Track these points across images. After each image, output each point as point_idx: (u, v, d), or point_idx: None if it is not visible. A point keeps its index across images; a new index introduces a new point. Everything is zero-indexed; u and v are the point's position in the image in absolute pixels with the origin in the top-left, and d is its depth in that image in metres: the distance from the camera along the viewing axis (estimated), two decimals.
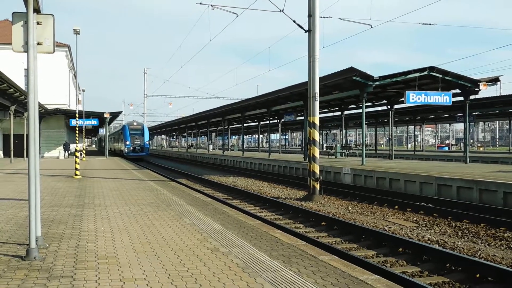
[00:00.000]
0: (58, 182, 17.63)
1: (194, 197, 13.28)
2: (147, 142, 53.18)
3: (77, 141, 28.99)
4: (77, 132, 29.21)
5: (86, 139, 75.97)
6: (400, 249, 9.01)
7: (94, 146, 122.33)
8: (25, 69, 40.10)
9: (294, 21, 16.77)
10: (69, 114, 41.10)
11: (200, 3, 18.30)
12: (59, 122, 45.29)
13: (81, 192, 14.10)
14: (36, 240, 6.20)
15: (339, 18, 19.55)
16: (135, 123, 54.59)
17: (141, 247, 6.79)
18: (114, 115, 48.34)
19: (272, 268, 5.70)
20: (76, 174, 19.78)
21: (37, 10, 6.21)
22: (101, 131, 55.30)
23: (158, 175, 22.89)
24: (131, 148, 51.17)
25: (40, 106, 35.86)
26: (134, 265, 5.78)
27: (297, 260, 6.09)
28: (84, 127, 40.60)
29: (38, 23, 6.22)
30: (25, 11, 6.06)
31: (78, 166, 20.12)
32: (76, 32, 25.30)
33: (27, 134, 6.66)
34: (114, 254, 6.35)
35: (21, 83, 36.15)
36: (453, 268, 7.75)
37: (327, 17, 19.07)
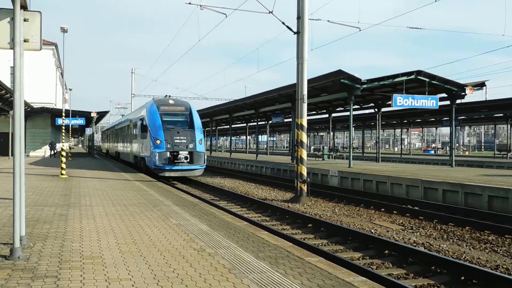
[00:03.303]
0: (44, 181, 17.45)
1: (181, 197, 13.23)
2: (200, 142, 23.60)
3: (63, 141, 28.75)
4: (63, 131, 28.96)
5: (72, 139, 74.45)
6: (386, 251, 9.05)
7: (80, 145, 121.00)
8: (11, 66, 39.64)
9: (283, 23, 16.79)
10: (55, 113, 40.69)
11: (189, 3, 18.23)
12: (45, 121, 44.81)
13: (66, 192, 13.97)
14: (20, 240, 6.13)
15: (328, 21, 19.60)
16: (170, 101, 25.45)
17: (127, 247, 6.74)
18: (101, 115, 47.90)
19: (259, 269, 5.69)
20: (62, 174, 19.59)
21: (24, 7, 6.15)
22: (88, 130, 52.52)
23: (145, 175, 22.70)
24: (168, 155, 22.48)
25: (26, 104, 35.48)
26: (120, 265, 5.73)
27: (283, 261, 6.08)
28: (70, 127, 40.15)
29: (25, 20, 6.16)
30: (12, 7, 6.00)
31: (64, 166, 19.94)
32: (64, 30, 25.07)
33: (12, 133, 6.59)
34: (100, 254, 6.29)
35: (6, 81, 35.72)
36: (439, 271, 7.80)
37: (316, 19, 19.07)
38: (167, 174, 22.04)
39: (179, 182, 23.79)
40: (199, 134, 23.32)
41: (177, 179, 24.02)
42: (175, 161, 22.04)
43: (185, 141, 22.54)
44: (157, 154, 21.81)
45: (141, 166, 25.36)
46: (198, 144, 22.86)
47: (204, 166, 23.49)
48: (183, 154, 22.17)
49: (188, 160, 22.25)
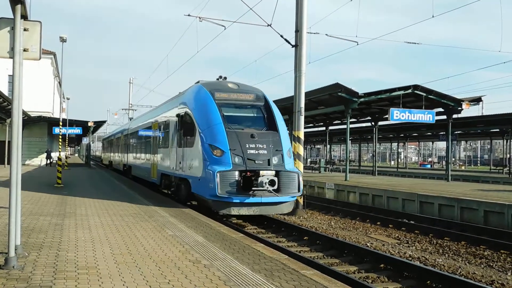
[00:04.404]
0: (39, 190, 17.39)
1: (177, 208, 13.19)
2: (289, 154, 13.38)
3: (59, 150, 28.69)
4: (60, 140, 28.91)
5: (69, 148, 74.13)
6: (382, 265, 9.04)
7: (76, 155, 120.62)
8: (9, 75, 39.71)
9: (281, 36, 16.89)
10: (53, 122, 40.65)
11: (189, 15, 18.34)
12: (41, 130, 44.73)
13: (62, 201, 13.91)
14: (15, 249, 6.10)
15: (326, 34, 19.73)
16: (230, 85, 14.88)
17: (122, 258, 6.71)
18: (98, 124, 47.86)
19: (254, 281, 5.68)
20: (58, 183, 19.53)
21: (24, 17, 6.18)
22: (85, 140, 51.98)
23: (141, 185, 22.62)
24: (238, 178, 12.06)
25: (23, 113, 35.48)
26: (115, 276, 5.71)
27: (279, 274, 6.07)
28: (67, 136, 40.03)
29: (25, 30, 6.18)
30: (12, 17, 6.03)
31: (60, 175, 19.88)
32: (63, 40, 25.17)
33: (9, 141, 6.58)
34: (95, 264, 6.27)
35: (4, 89, 35.74)
36: (434, 285, 7.80)
37: (314, 33, 19.22)
38: (235, 211, 12.23)
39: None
40: (286, 140, 13.39)
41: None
42: (252, 187, 11.95)
43: (265, 152, 12.57)
44: (218, 175, 11.81)
45: (176, 191, 15.86)
46: (287, 157, 12.96)
47: (299, 194, 13.39)
48: (265, 175, 12.14)
49: (274, 187, 12.07)
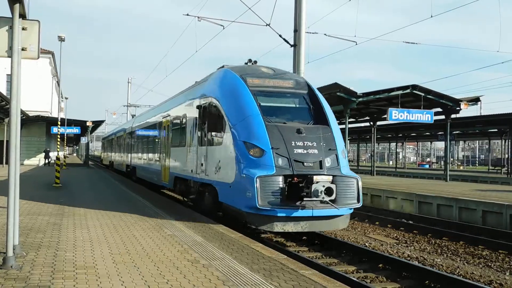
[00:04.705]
0: (38, 190, 17.36)
1: (175, 208, 13.18)
2: (344, 155, 10.61)
3: (58, 149, 28.67)
4: (58, 140, 28.90)
5: (67, 147, 73.84)
6: (380, 265, 9.04)
7: (75, 155, 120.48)
8: (7, 74, 39.67)
9: (280, 36, 16.91)
10: (51, 122, 40.62)
11: (187, 15, 18.34)
12: (40, 129, 44.69)
13: (59, 211, 13.88)
14: (14, 249, 6.09)
15: (325, 34, 19.72)
16: (264, 69, 12.29)
17: (121, 257, 6.70)
18: (97, 124, 47.86)
19: (253, 281, 5.67)
20: (56, 183, 19.50)
21: (23, 16, 6.17)
22: (83, 139, 51.81)
23: (138, 184, 22.62)
24: (282, 185, 9.39)
25: (22, 112, 35.43)
26: (113, 275, 5.70)
27: (278, 274, 6.07)
28: (65, 135, 39.93)
29: (23, 29, 6.17)
30: (11, 16, 6.02)
31: (58, 175, 19.85)
32: (61, 39, 25.18)
33: (7, 141, 6.58)
34: (93, 264, 6.26)
35: (2, 89, 35.72)
36: (432, 285, 7.80)
37: (312, 33, 19.21)
38: (279, 227, 9.58)
39: (173, 193, 18.50)
40: (339, 137, 10.87)
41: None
42: (302, 196, 9.33)
43: (315, 151, 10.03)
44: (258, 181, 9.31)
45: (197, 200, 13.18)
46: (342, 158, 10.44)
47: (360, 206, 10.29)
48: (320, 181, 9.42)
49: (332, 197, 9.39)
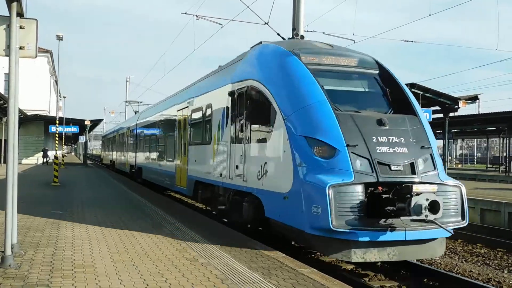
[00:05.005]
0: (36, 189, 17.34)
1: (174, 207, 13.18)
2: (438, 153, 7.96)
3: (56, 148, 28.63)
4: (56, 139, 28.84)
5: (65, 146, 73.76)
6: (379, 263, 9.04)
7: (73, 153, 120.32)
8: (5, 73, 39.58)
9: (278, 34, 16.82)
10: (49, 121, 40.54)
11: (185, 13, 18.29)
12: (38, 128, 44.62)
13: (59, 200, 13.88)
14: (12, 247, 6.09)
15: (323, 33, 19.68)
16: (319, 44, 9.68)
17: (119, 256, 6.70)
18: (95, 123, 47.82)
19: (252, 279, 5.67)
20: (54, 182, 19.48)
21: (20, 14, 6.15)
22: (81, 138, 51.72)
23: (138, 183, 22.62)
24: (362, 197, 6.81)
25: (20, 111, 35.35)
26: (112, 274, 5.70)
27: (276, 272, 6.07)
28: (63, 134, 39.88)
29: (21, 27, 6.16)
30: (8, 14, 6.01)
31: (57, 173, 19.83)
32: (59, 38, 25.13)
33: (5, 140, 6.57)
34: (92, 263, 6.26)
35: (0, 88, 35.66)
36: (431, 283, 7.80)
37: (311, 31, 19.15)
38: (358, 256, 6.99)
39: (172, 192, 18.55)
40: (430, 130, 8.26)
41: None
42: (388, 213, 6.89)
43: (405, 149, 7.43)
44: (330, 191, 6.68)
45: (233, 213, 10.26)
46: (438, 159, 7.85)
47: (465, 224, 7.62)
48: (423, 192, 6.69)
49: (437, 215, 6.71)
